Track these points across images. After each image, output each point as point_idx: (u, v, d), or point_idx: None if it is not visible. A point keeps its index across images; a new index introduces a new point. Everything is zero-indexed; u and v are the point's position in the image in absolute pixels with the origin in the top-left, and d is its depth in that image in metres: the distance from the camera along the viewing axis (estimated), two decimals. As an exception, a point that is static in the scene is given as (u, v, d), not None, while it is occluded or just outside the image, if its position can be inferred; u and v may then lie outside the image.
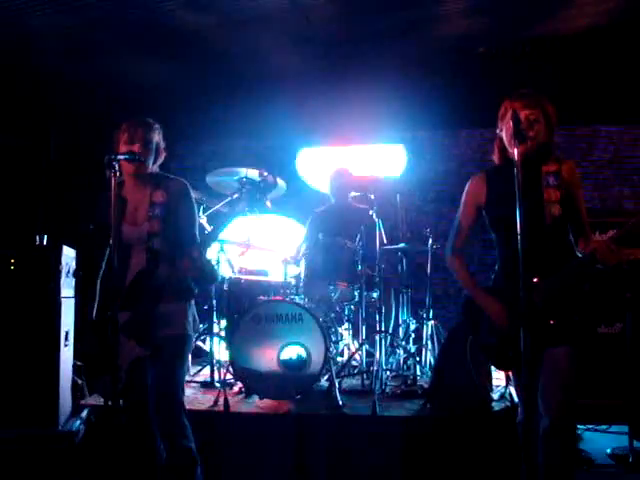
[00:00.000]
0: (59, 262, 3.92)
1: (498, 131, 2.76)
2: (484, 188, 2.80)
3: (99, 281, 2.94)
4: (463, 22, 4.73)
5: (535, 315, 2.52)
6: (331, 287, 4.62)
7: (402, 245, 5.05)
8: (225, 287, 4.79)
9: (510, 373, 2.89)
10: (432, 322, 5.03)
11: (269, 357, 4.19)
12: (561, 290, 2.61)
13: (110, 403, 2.60)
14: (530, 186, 2.61)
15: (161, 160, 3.03)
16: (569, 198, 2.69)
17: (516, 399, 3.74)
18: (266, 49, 5.15)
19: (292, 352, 4.19)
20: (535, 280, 2.58)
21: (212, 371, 4.70)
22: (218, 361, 4.74)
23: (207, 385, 4.64)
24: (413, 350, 5.01)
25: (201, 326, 4.67)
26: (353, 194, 5.17)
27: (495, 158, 2.83)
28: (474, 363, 3.79)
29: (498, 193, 2.74)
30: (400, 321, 5.30)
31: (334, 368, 4.28)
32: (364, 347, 4.74)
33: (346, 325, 5.07)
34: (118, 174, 2.65)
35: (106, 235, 2.70)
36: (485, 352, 2.88)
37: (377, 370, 4.37)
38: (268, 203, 4.68)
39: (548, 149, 2.73)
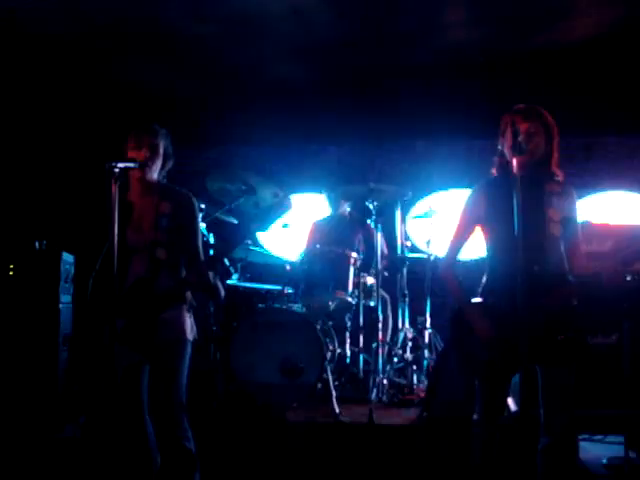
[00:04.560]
0: (58, 268, 3.94)
1: (499, 147, 2.78)
2: (483, 202, 2.78)
3: (91, 280, 2.95)
4: (463, 33, 4.76)
5: (528, 332, 2.46)
6: (329, 296, 4.64)
7: (401, 254, 5.07)
8: (223, 294, 4.80)
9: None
10: (430, 331, 5.04)
11: (267, 364, 4.20)
12: (555, 308, 2.61)
13: (105, 407, 2.61)
14: (533, 203, 2.61)
15: (169, 166, 3.05)
16: (569, 220, 2.71)
17: (512, 408, 3.75)
18: (268, 58, 5.18)
19: (289, 360, 4.20)
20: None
21: (210, 377, 4.69)
22: (216, 368, 4.73)
23: (204, 391, 4.63)
24: (411, 359, 5.01)
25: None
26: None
27: (494, 172, 2.83)
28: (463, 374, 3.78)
29: (497, 207, 2.71)
30: (398, 329, 5.31)
31: (331, 376, 4.28)
32: (362, 355, 4.75)
33: (344, 334, 5.08)
34: (123, 179, 2.66)
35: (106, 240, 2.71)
36: (470, 365, 2.88)
37: (374, 378, 4.38)
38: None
39: (549, 164, 2.74)
